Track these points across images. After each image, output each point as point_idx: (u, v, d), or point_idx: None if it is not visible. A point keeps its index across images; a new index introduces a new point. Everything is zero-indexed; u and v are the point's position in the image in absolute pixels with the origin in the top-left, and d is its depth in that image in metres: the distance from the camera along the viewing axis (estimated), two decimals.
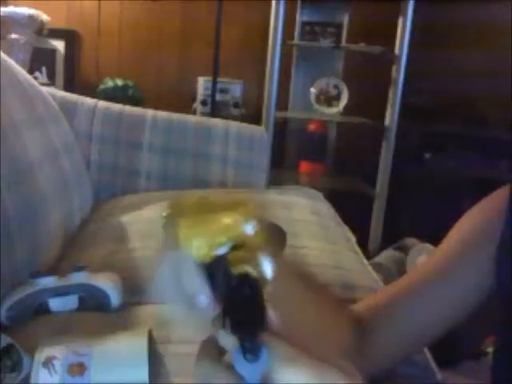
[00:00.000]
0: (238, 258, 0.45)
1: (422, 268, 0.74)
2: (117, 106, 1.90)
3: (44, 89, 1.69)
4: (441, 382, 1.00)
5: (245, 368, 0.41)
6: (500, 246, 0.67)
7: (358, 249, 1.55)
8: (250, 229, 0.46)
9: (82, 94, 1.92)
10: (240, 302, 0.44)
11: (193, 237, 0.46)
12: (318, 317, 0.67)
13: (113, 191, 1.80)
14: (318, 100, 2.85)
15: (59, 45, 2.89)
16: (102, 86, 2.77)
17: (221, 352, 0.43)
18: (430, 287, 0.70)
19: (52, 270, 1.16)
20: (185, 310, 0.46)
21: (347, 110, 2.85)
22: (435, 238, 0.74)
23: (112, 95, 2.62)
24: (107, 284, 1.03)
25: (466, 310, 0.70)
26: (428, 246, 2.43)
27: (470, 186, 2.54)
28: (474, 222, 0.72)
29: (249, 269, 0.45)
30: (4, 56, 1.44)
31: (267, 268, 0.46)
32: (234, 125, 1.97)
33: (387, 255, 2.53)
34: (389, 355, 0.71)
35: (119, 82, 2.76)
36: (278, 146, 2.68)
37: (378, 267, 2.22)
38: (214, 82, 2.65)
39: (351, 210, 1.89)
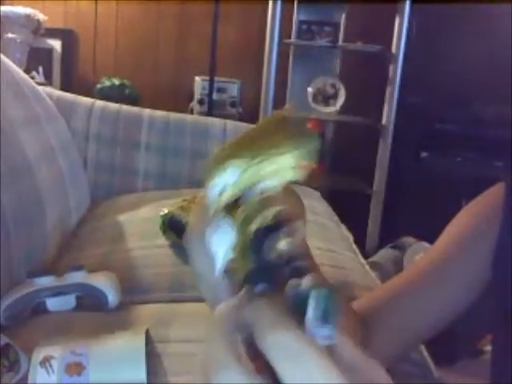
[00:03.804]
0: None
1: (418, 266, 0.74)
2: (114, 106, 1.89)
3: (41, 88, 1.69)
4: (438, 381, 1.00)
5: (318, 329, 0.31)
6: (497, 246, 0.66)
7: (355, 247, 1.55)
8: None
9: (78, 93, 1.92)
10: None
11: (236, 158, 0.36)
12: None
13: (110, 191, 1.80)
14: (315, 99, 2.85)
15: (56, 44, 2.88)
16: (98, 86, 2.77)
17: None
18: (426, 286, 0.70)
19: (49, 270, 1.16)
20: None
21: (344, 109, 2.86)
22: (432, 237, 0.74)
23: (109, 94, 2.62)
24: (104, 283, 1.02)
25: (462, 307, 0.70)
26: (425, 244, 2.43)
27: (467, 184, 2.54)
28: (468, 221, 0.71)
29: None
30: (1, 55, 1.44)
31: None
32: (231, 124, 1.97)
33: (384, 254, 2.53)
34: (387, 352, 0.71)
35: (116, 82, 2.76)
36: None
37: (375, 266, 2.21)
38: (211, 81, 2.65)
39: (348, 208, 1.90)
